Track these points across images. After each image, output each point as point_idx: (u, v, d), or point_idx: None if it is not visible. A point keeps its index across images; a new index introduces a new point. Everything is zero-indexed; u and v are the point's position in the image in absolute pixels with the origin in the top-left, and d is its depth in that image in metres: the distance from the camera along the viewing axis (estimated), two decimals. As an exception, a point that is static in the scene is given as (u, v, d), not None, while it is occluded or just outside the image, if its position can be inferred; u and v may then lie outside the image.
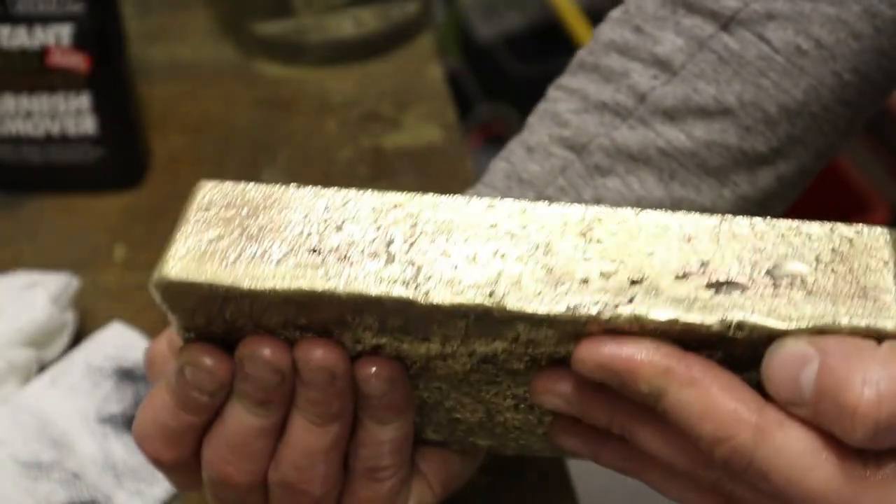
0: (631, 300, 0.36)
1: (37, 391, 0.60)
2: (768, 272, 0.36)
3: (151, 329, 0.64)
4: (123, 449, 0.58)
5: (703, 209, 0.51)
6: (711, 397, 0.35)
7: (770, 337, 0.35)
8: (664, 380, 0.36)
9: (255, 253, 0.37)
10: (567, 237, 0.37)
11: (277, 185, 0.39)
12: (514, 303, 0.36)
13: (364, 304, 0.37)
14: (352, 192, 0.39)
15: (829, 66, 0.49)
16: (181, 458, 0.43)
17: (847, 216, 1.46)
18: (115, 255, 0.72)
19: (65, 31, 0.71)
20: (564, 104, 0.53)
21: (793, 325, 0.35)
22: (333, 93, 0.85)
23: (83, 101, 0.73)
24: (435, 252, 0.37)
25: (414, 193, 0.38)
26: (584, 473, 0.45)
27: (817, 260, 0.36)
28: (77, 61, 0.72)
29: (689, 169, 0.50)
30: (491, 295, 0.36)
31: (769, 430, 0.35)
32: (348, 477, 0.43)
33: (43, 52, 0.71)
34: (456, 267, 0.37)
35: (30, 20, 0.71)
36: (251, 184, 0.39)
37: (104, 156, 0.75)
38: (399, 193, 0.38)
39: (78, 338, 0.64)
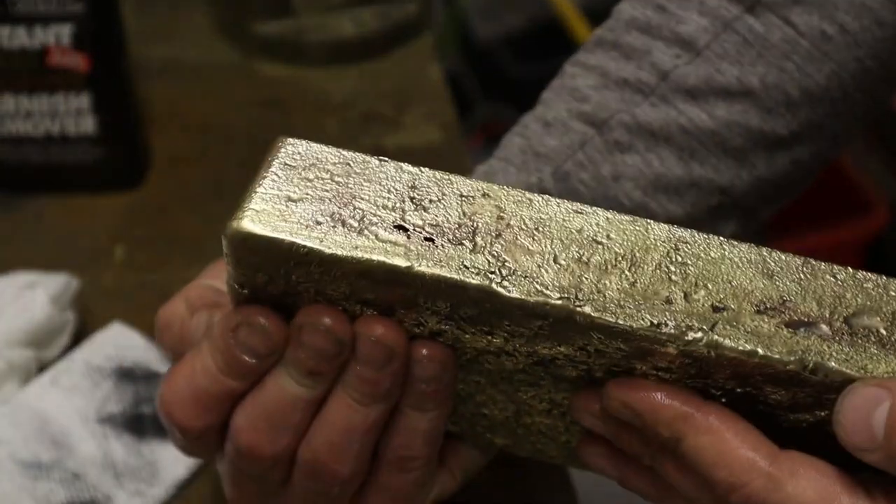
0: (713, 326, 0.36)
1: (37, 391, 0.60)
2: (846, 320, 0.36)
3: (151, 329, 0.64)
4: (123, 449, 0.58)
5: (721, 189, 0.51)
6: (727, 445, 0.36)
7: (842, 384, 0.35)
8: (682, 425, 0.36)
9: (338, 219, 0.37)
10: (652, 254, 0.37)
11: (363, 155, 0.38)
12: (596, 311, 0.36)
13: (444, 289, 0.36)
14: (439, 174, 0.38)
15: (853, 52, 0.50)
16: (210, 427, 0.42)
17: (847, 215, 1.46)
18: (115, 255, 0.72)
19: (65, 31, 0.71)
20: (583, 80, 0.52)
21: (867, 376, 0.35)
22: (333, 93, 0.85)
23: (83, 101, 0.73)
24: (520, 248, 0.37)
25: (503, 186, 0.38)
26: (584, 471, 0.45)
27: (894, 316, 0.36)
28: (77, 61, 0.72)
29: (708, 148, 0.50)
30: (575, 299, 0.36)
31: (781, 478, 0.35)
32: (376, 465, 0.43)
33: (43, 52, 0.71)
34: (540, 266, 0.36)
35: (30, 20, 0.70)
36: (335, 149, 0.38)
37: (104, 156, 0.75)
38: (488, 184, 0.38)
39: (78, 338, 0.64)
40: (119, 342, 0.63)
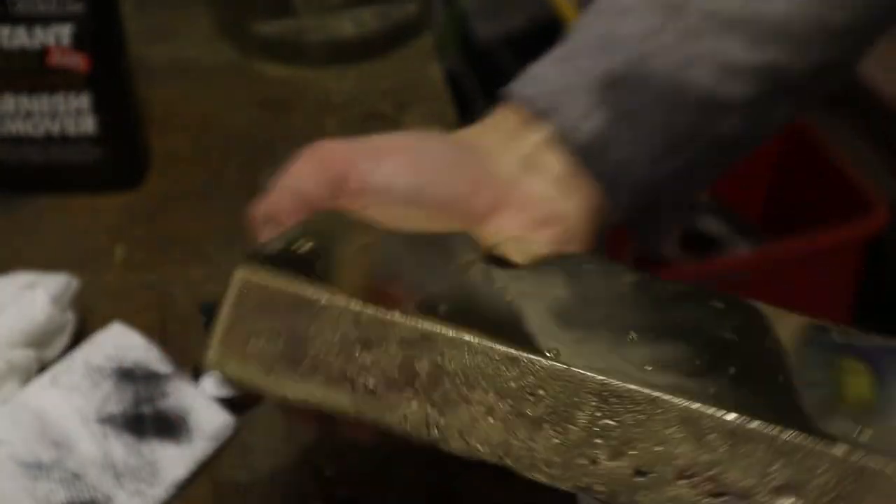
0: (634, 493, 0.36)
1: (37, 391, 0.60)
2: (770, 493, 0.36)
3: (151, 329, 0.64)
4: (123, 449, 0.58)
5: (781, 73, 0.52)
6: None
7: None
8: None
9: (290, 363, 0.39)
10: (582, 409, 0.37)
11: (311, 287, 0.40)
12: (523, 467, 0.37)
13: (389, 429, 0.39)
14: (380, 314, 0.39)
15: None
16: None
17: (847, 215, 1.46)
18: (115, 255, 0.72)
19: (65, 31, 0.71)
20: None
21: None
22: (333, 93, 0.85)
23: (83, 101, 0.73)
24: (456, 399, 0.38)
25: (445, 327, 0.38)
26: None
27: (823, 489, 0.36)
28: (77, 61, 0.72)
29: (773, 35, 0.52)
30: (505, 457, 0.38)
31: None
32: None
33: (43, 52, 0.71)
34: (473, 421, 0.38)
35: (30, 20, 0.71)
36: (287, 281, 0.40)
37: (104, 156, 0.75)
38: (428, 325, 0.39)
39: (78, 338, 0.64)
40: (119, 342, 0.63)
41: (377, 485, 0.57)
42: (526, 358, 0.38)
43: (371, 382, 0.39)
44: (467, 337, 0.38)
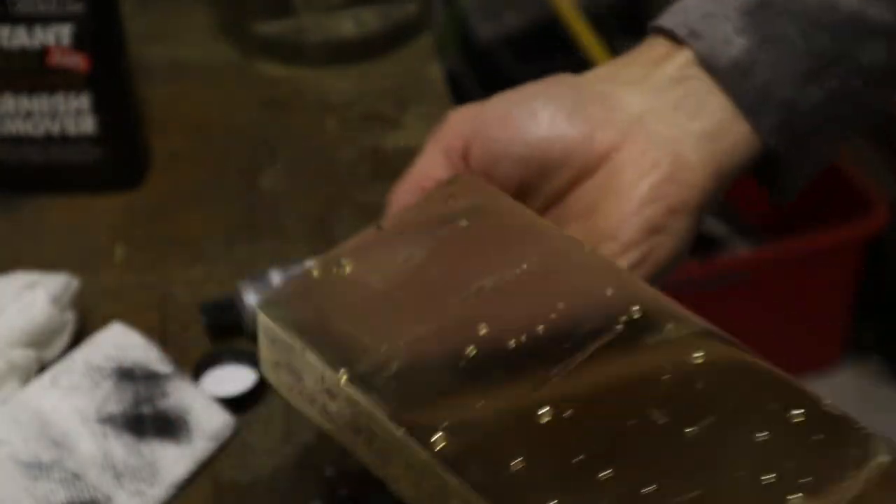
0: None
1: (37, 391, 0.60)
2: None
3: (151, 329, 0.64)
4: (123, 449, 0.58)
5: None
6: None
7: None
8: None
9: (298, 391, 0.45)
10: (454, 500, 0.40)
11: (292, 338, 0.44)
12: None
13: None
14: (330, 372, 0.43)
15: None
16: None
17: (847, 215, 1.46)
18: (115, 255, 0.72)
19: (65, 31, 0.71)
20: None
21: None
22: (333, 93, 0.85)
23: (83, 101, 0.73)
24: (386, 462, 0.42)
25: (372, 399, 0.42)
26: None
27: None
28: (77, 61, 0.72)
29: None
30: None
31: None
32: None
33: (43, 52, 0.71)
34: (398, 475, 0.42)
35: (30, 20, 0.71)
36: (278, 325, 0.45)
37: (104, 156, 0.75)
38: (362, 396, 0.42)
39: (78, 338, 0.64)
40: (119, 342, 0.63)
41: (377, 485, 0.57)
42: (412, 447, 0.40)
43: (341, 422, 0.43)
44: (378, 413, 0.41)
